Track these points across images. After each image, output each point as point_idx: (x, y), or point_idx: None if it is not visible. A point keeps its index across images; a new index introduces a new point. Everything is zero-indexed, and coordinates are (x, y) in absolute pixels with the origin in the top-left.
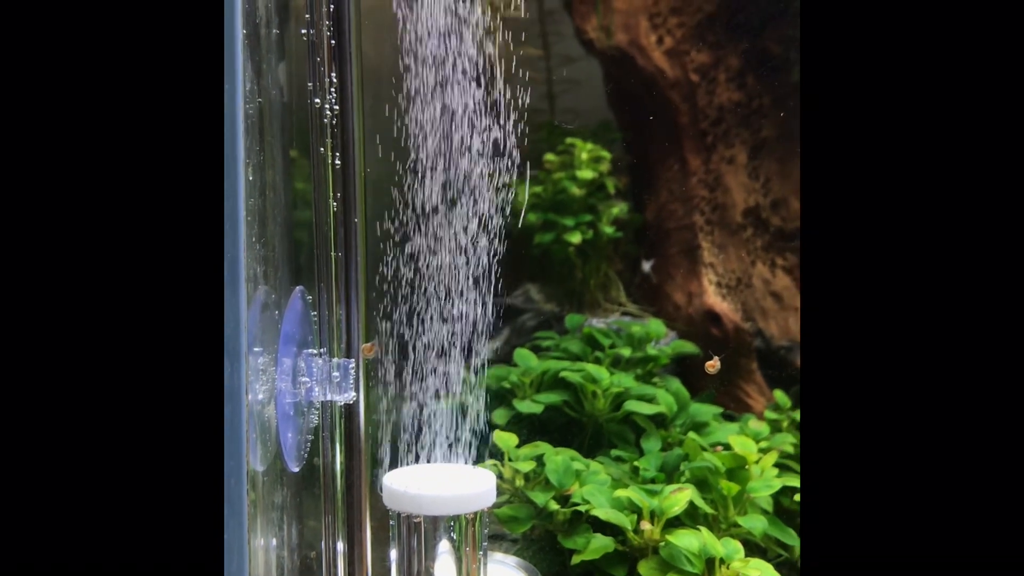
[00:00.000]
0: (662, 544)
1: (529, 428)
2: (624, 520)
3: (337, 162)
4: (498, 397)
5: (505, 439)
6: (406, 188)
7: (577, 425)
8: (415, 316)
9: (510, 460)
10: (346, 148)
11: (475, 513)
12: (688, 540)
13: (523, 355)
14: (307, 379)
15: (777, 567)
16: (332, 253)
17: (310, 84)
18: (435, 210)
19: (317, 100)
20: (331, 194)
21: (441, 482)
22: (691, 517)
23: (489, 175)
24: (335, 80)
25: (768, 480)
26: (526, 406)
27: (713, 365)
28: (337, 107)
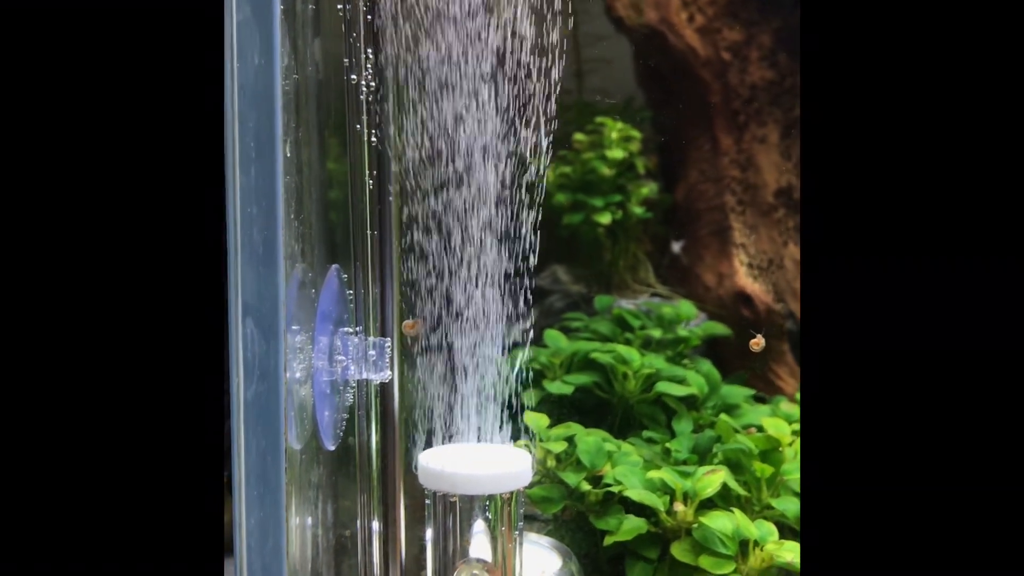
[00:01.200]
0: (695, 526)
1: (559, 409)
2: (657, 501)
3: (373, 139)
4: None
5: (536, 419)
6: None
7: (608, 406)
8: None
9: (541, 441)
10: (382, 126)
11: (511, 493)
12: (722, 522)
13: (553, 336)
14: (343, 357)
15: None
16: (367, 231)
17: (346, 61)
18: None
19: (354, 77)
20: (367, 172)
21: (477, 461)
22: (724, 499)
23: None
24: (371, 57)
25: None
26: (556, 387)
27: (758, 343)
28: (373, 84)
